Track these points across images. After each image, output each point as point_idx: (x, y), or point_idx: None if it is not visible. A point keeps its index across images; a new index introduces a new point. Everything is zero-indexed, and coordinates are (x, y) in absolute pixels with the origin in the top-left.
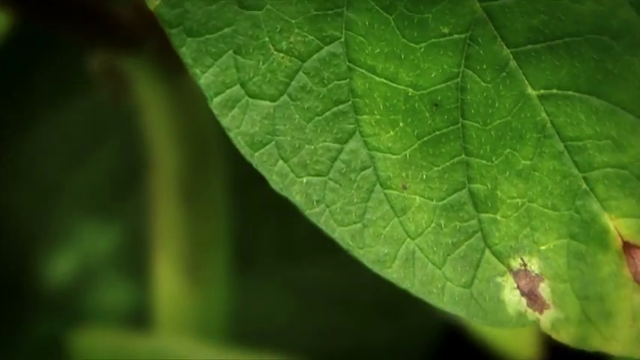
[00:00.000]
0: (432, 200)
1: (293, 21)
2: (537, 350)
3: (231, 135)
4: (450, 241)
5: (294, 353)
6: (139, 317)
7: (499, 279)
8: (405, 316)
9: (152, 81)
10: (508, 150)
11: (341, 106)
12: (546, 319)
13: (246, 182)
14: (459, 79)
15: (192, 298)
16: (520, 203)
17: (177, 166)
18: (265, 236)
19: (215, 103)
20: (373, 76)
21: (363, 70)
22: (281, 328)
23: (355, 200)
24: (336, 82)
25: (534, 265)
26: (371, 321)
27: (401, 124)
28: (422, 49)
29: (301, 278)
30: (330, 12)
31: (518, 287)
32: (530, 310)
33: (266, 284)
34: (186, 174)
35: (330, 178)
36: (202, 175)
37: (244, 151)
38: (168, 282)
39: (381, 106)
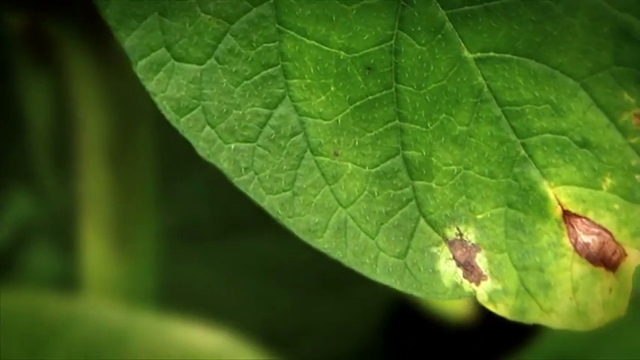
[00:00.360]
0: (365, 167)
1: None
2: (480, 316)
3: (156, 100)
4: (383, 210)
5: (235, 327)
6: (66, 284)
7: (434, 249)
8: (352, 290)
9: (79, 45)
10: (443, 115)
11: (270, 70)
12: (483, 290)
13: (190, 155)
14: (393, 41)
15: (120, 266)
16: (456, 170)
17: (105, 133)
18: (208, 208)
19: (140, 67)
20: (303, 39)
21: (293, 33)
22: (222, 301)
23: (285, 167)
24: (265, 44)
25: (471, 235)
26: (316, 295)
27: (332, 89)
28: (354, 11)
29: (245, 251)
30: None
31: (453, 258)
32: (466, 282)
33: (208, 256)
34: (114, 141)
35: (258, 145)
36: (130, 143)
37: (170, 116)
38: (96, 249)
39: (312, 70)
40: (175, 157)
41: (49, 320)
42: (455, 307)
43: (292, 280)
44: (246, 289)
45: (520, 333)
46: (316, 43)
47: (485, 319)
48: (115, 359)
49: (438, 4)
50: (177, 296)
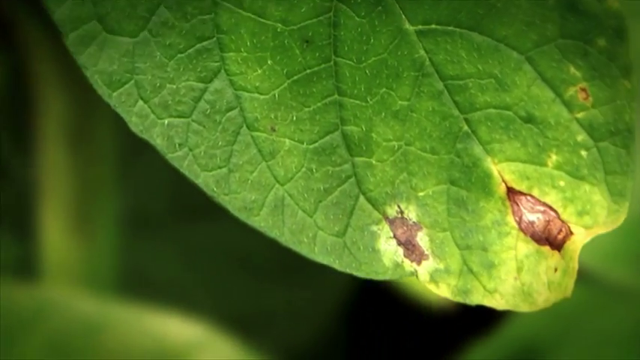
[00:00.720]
0: (303, 143)
1: None
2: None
3: (87, 74)
4: (321, 187)
5: (189, 312)
6: (25, 269)
7: (374, 227)
8: (313, 275)
9: (39, 26)
10: (384, 89)
11: (205, 43)
12: (425, 270)
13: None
14: (332, 13)
15: (79, 250)
16: (397, 146)
17: (64, 117)
18: (162, 193)
19: (71, 40)
20: (239, 11)
21: (229, 5)
22: (177, 287)
23: (220, 143)
24: (199, 17)
25: (412, 213)
26: (273, 281)
27: (269, 62)
28: None
29: (199, 236)
30: None
31: (394, 236)
32: (407, 261)
33: (162, 242)
34: (73, 124)
35: (193, 120)
36: (89, 126)
37: (101, 90)
38: (55, 233)
39: (248, 43)
40: (134, 140)
41: (22, 310)
42: (424, 292)
43: (252, 265)
44: (205, 274)
45: (492, 319)
46: (252, 16)
47: (456, 304)
48: (89, 350)
49: None
50: (136, 281)
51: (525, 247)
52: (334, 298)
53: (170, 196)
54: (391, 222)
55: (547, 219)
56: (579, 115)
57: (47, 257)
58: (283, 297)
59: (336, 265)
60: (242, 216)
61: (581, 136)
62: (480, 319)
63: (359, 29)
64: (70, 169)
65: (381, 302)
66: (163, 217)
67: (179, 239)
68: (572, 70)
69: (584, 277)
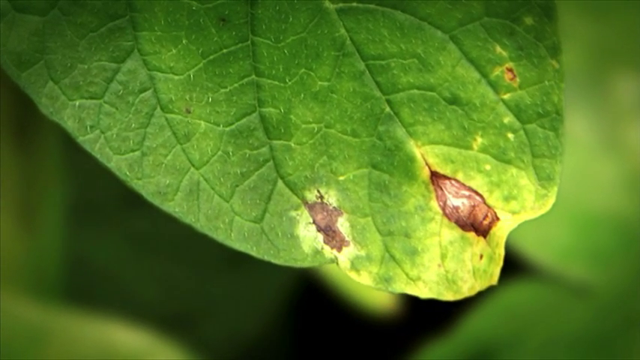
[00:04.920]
0: (219, 125)
1: None
2: (396, 305)
3: None
4: (238, 171)
5: (135, 306)
6: None
7: (293, 213)
8: (256, 268)
9: None
10: (303, 70)
11: (118, 22)
12: (345, 257)
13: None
14: None
15: (24, 241)
16: (316, 129)
17: (6, 107)
18: (106, 184)
19: None
20: None
21: None
22: (121, 276)
23: (133, 126)
24: None
25: (332, 198)
26: (217, 273)
27: (184, 42)
28: None
29: (143, 228)
30: None
31: (314, 222)
32: (327, 248)
33: (107, 232)
34: (16, 115)
35: (105, 101)
36: (32, 117)
37: (11, 71)
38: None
39: (162, 22)
40: None
41: None
42: (374, 296)
43: (194, 256)
44: (149, 263)
45: (443, 323)
46: None
47: (407, 312)
48: None
49: None
50: (78, 273)
51: (450, 233)
52: (280, 289)
53: (114, 186)
54: (310, 207)
55: (472, 204)
56: (506, 97)
57: None
58: (227, 286)
59: (254, 252)
60: (156, 201)
61: (508, 118)
62: (433, 322)
63: (277, 7)
64: (13, 162)
65: (331, 298)
66: (107, 206)
67: (123, 229)
68: (498, 49)
69: (539, 275)
